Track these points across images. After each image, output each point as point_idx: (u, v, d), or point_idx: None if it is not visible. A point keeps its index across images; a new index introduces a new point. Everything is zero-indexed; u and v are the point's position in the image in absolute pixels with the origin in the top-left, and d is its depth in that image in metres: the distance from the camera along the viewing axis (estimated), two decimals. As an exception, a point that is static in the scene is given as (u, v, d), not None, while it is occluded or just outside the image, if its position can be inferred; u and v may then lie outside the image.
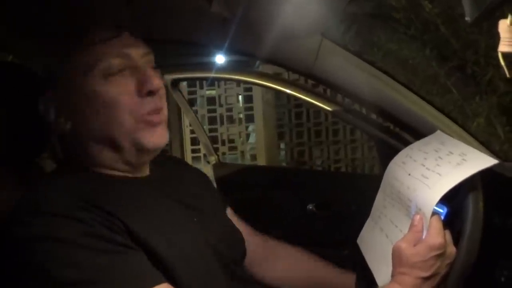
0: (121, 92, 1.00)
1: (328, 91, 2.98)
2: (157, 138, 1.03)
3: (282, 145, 4.91)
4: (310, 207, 1.98)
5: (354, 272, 1.27)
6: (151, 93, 1.02)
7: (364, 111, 1.87)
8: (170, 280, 0.94)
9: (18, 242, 0.89)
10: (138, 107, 1.01)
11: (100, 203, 0.94)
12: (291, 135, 4.80)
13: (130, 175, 1.07)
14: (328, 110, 1.74)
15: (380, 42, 3.55)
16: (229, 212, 1.34)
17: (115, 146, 1.02)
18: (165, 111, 1.06)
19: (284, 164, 4.87)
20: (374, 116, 1.68)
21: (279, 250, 1.37)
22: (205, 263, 1.05)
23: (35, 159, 1.27)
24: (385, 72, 1.34)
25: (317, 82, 1.48)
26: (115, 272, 0.88)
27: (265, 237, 1.38)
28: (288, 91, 1.94)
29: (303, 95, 1.87)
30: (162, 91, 1.06)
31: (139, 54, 1.04)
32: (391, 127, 1.53)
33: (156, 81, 1.02)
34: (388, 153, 1.36)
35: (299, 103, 4.59)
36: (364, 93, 1.31)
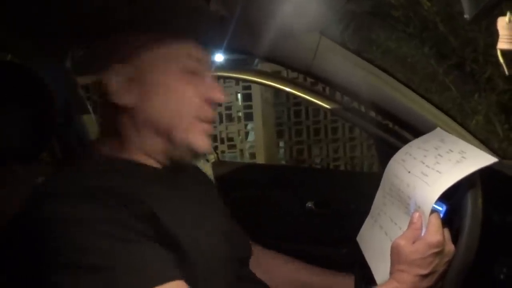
0: (193, 93, 1.02)
1: (327, 89, 2.98)
2: (206, 145, 1.05)
3: (281, 143, 4.91)
4: (309, 205, 1.97)
5: (352, 272, 1.27)
6: (216, 103, 1.06)
7: (363, 109, 1.87)
8: (188, 274, 0.93)
9: (36, 223, 0.89)
10: (202, 112, 1.04)
11: (128, 189, 0.94)
12: (290, 133, 4.80)
13: (159, 166, 1.07)
14: (327, 108, 1.74)
15: (379, 40, 3.56)
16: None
17: (169, 139, 1.03)
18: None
19: (283, 162, 4.87)
20: (373, 114, 1.68)
21: (263, 258, 1.36)
22: (220, 261, 1.05)
23: (35, 159, 1.27)
24: (384, 70, 1.34)
25: (315, 80, 1.47)
26: (129, 262, 0.86)
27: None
28: (287, 89, 1.94)
29: (302, 93, 1.86)
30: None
31: (210, 62, 1.08)
32: (390, 125, 1.53)
33: (221, 93, 1.06)
34: (387, 151, 1.36)
35: (298, 101, 4.59)
36: (363, 91, 1.31)
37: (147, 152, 1.04)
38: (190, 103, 1.02)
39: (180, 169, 1.11)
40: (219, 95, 1.05)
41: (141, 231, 0.90)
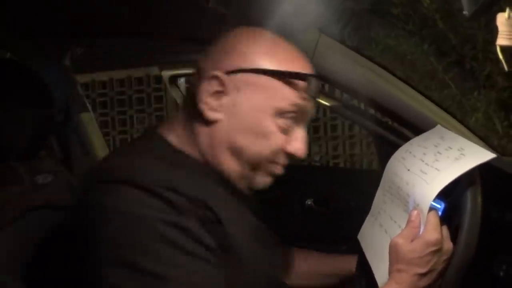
0: (274, 137, 0.98)
1: (326, 86, 2.97)
2: (266, 184, 1.04)
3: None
4: (309, 203, 1.98)
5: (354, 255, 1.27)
6: (294, 155, 1.02)
7: (362, 106, 1.87)
8: (238, 283, 0.93)
9: (101, 210, 0.86)
10: (275, 156, 1.01)
11: (197, 192, 0.92)
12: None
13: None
14: (326, 106, 1.74)
15: (378, 37, 3.55)
16: None
17: (236, 164, 0.99)
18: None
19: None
20: (372, 112, 1.68)
21: None
22: (269, 274, 1.07)
23: (34, 156, 1.27)
24: (383, 68, 1.34)
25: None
26: (189, 279, 0.85)
27: None
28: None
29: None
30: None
31: (310, 112, 1.03)
32: (390, 122, 1.53)
33: (303, 150, 1.02)
34: (386, 149, 1.36)
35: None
36: (362, 88, 1.31)
37: (212, 162, 1.01)
38: (269, 146, 0.98)
39: None
40: (300, 152, 1.02)
41: (205, 245, 0.88)
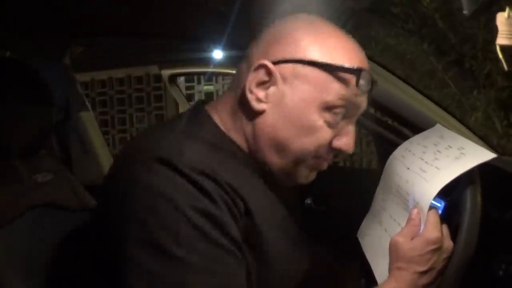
0: (321, 131, 0.95)
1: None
2: (309, 179, 1.02)
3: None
4: (308, 201, 1.97)
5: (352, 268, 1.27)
6: (341, 152, 0.98)
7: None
8: (261, 274, 0.92)
9: (132, 183, 0.84)
10: (320, 152, 0.97)
11: (232, 179, 0.89)
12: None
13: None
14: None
15: (378, 36, 3.55)
16: None
17: (278, 158, 0.97)
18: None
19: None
20: (372, 111, 1.68)
21: None
22: (294, 266, 1.05)
23: (34, 155, 1.27)
24: (383, 67, 1.34)
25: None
26: (209, 266, 0.83)
27: None
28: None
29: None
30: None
31: (361, 107, 0.99)
32: (389, 121, 1.53)
33: (351, 146, 0.98)
34: (386, 148, 1.36)
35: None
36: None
37: (255, 152, 0.98)
38: (315, 141, 0.95)
39: None
40: (348, 148, 0.97)
41: (231, 236, 0.86)
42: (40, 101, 1.24)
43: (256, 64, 0.94)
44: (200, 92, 4.96)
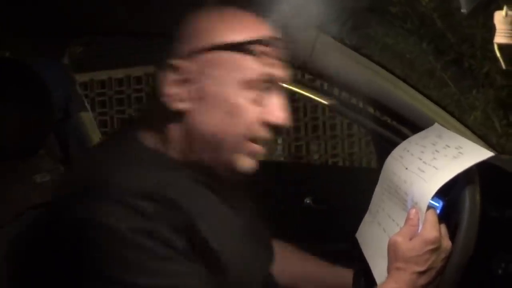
0: (249, 111, 0.93)
1: (325, 85, 2.98)
2: (251, 167, 0.97)
3: (279, 140, 4.91)
4: (307, 201, 1.98)
5: (351, 268, 1.27)
6: (275, 126, 0.95)
7: (360, 105, 1.87)
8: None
9: (73, 224, 0.84)
10: (255, 133, 0.95)
11: (170, 193, 0.88)
12: (288, 129, 4.80)
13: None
14: (325, 105, 1.74)
15: (377, 36, 3.56)
16: None
17: (213, 153, 0.95)
18: (272, 144, 1.01)
19: (281, 158, 4.87)
20: (371, 110, 1.68)
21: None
22: (254, 275, 1.03)
23: (33, 155, 1.27)
24: (382, 66, 1.34)
25: (313, 76, 1.47)
26: (162, 281, 0.83)
27: None
28: (284, 85, 1.93)
29: (300, 90, 1.86)
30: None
31: (281, 76, 0.97)
32: (388, 120, 1.53)
33: (283, 117, 0.96)
34: (385, 147, 1.36)
35: (296, 97, 4.58)
36: (361, 87, 1.31)
37: (189, 156, 0.96)
38: (244, 122, 0.93)
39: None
40: (280, 119, 0.95)
41: (177, 248, 0.86)
42: (40, 101, 1.24)
43: (166, 64, 0.93)
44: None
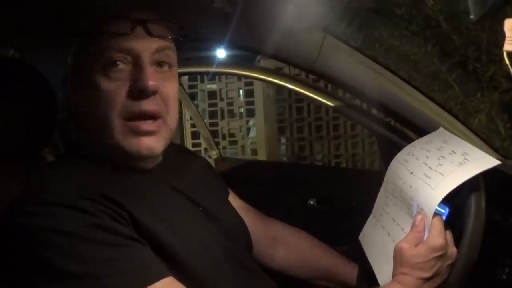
0: (114, 89, 0.96)
1: (329, 86, 2.98)
2: (142, 147, 0.98)
3: (283, 140, 4.90)
4: (311, 202, 1.98)
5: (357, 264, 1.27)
6: (142, 93, 0.96)
7: (364, 106, 1.86)
8: (177, 272, 0.93)
9: (21, 232, 0.88)
10: (127, 109, 0.96)
11: (106, 192, 0.93)
12: (292, 129, 4.79)
13: (134, 165, 1.04)
14: (329, 105, 1.74)
15: (382, 37, 3.54)
16: (232, 196, 1.33)
17: (102, 143, 0.99)
18: (164, 119, 1.00)
19: (284, 158, 4.86)
20: (375, 112, 1.68)
21: (281, 234, 1.38)
22: (211, 254, 1.04)
23: (37, 154, 1.27)
24: (387, 68, 1.34)
25: (319, 78, 1.47)
26: (119, 266, 0.86)
27: (268, 222, 1.38)
28: (289, 85, 1.93)
29: (304, 90, 1.86)
30: (166, 94, 1.00)
31: (149, 50, 0.98)
32: (392, 122, 1.53)
33: (152, 80, 0.96)
34: (389, 149, 1.36)
35: (300, 97, 4.57)
36: (365, 88, 1.31)
37: (107, 155, 1.01)
38: (111, 102, 0.96)
39: (169, 165, 1.11)
40: (144, 81, 0.95)
41: (125, 234, 0.90)
42: (43, 101, 1.24)
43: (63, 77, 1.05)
44: (203, 90, 4.94)
